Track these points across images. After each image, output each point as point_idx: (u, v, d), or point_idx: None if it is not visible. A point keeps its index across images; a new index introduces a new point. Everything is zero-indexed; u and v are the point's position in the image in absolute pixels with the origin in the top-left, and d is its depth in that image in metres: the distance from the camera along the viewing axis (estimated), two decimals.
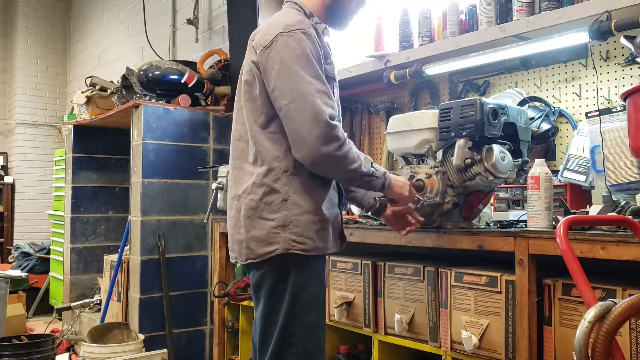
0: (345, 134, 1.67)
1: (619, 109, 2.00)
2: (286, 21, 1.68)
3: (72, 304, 3.87)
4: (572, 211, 1.94)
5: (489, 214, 2.16)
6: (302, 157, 1.63)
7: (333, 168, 1.66)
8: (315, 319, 1.73)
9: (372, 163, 1.72)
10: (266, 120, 1.70)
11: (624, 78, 2.14)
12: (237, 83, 1.87)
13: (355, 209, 2.63)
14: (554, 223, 1.72)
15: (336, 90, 1.82)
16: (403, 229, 1.89)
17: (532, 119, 2.24)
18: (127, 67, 3.87)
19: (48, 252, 5.43)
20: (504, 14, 2.35)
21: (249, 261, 1.71)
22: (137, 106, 3.36)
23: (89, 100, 4.20)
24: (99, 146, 4.33)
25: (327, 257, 1.80)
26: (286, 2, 1.84)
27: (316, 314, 1.73)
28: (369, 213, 2.10)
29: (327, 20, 1.83)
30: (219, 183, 2.96)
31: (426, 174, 1.94)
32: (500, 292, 1.80)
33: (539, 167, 1.76)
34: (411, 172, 1.98)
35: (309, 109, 1.60)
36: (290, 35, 1.65)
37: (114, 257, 3.72)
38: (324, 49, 1.74)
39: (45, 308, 5.20)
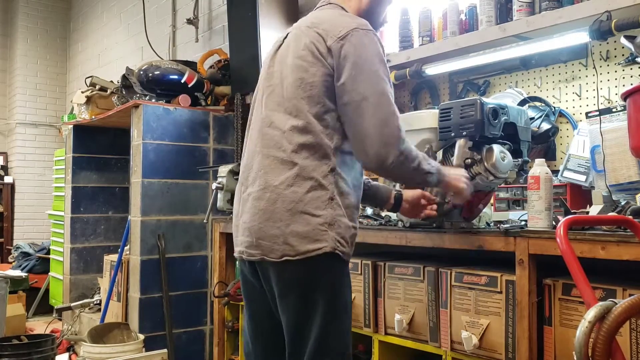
0: None
1: (619, 109, 2.00)
2: (355, 20, 1.63)
3: (72, 304, 3.87)
4: (572, 211, 1.94)
5: (489, 214, 2.16)
6: (368, 157, 1.56)
7: (398, 170, 1.58)
8: (347, 326, 1.66)
9: (427, 160, 1.67)
10: (323, 111, 1.59)
11: (624, 78, 2.14)
12: (265, 67, 1.76)
13: None
14: (554, 223, 1.72)
15: None
16: (421, 213, 1.90)
17: (532, 118, 2.24)
18: (127, 67, 3.87)
19: (48, 252, 5.43)
20: (504, 13, 2.35)
21: (284, 258, 1.56)
22: (137, 106, 3.36)
23: (89, 100, 4.20)
24: (99, 146, 4.33)
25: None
26: (328, 2, 1.75)
27: (348, 322, 1.67)
28: (385, 211, 2.06)
29: None
30: (219, 183, 2.96)
31: None
32: (501, 292, 1.80)
33: (539, 167, 1.76)
34: None
35: (384, 110, 1.55)
36: (366, 33, 1.60)
37: (114, 257, 3.72)
38: None
39: (45, 308, 5.20)
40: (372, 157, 1.55)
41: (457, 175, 1.75)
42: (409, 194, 1.90)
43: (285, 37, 1.73)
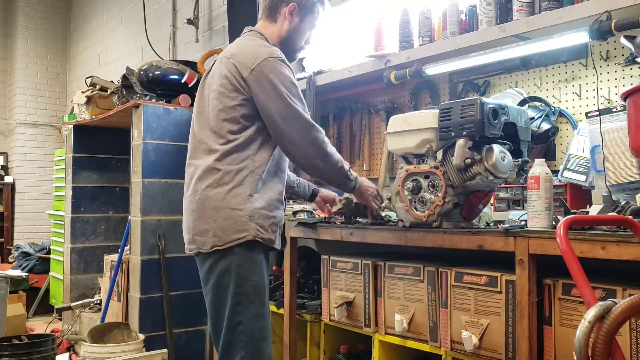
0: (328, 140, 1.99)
1: (619, 108, 2.00)
2: (267, 49, 1.96)
3: (72, 304, 3.86)
4: (572, 211, 1.94)
5: (489, 214, 2.16)
6: (296, 159, 1.98)
7: (322, 168, 1.98)
8: (259, 309, 1.92)
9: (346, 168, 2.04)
10: (239, 128, 1.94)
11: (624, 78, 2.14)
12: (199, 89, 2.09)
13: None
14: (554, 223, 1.72)
15: None
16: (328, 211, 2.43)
17: (532, 118, 2.24)
18: (127, 67, 3.86)
19: (48, 252, 5.43)
20: (504, 13, 2.35)
21: (214, 249, 1.91)
22: (137, 106, 3.36)
23: (89, 100, 4.19)
24: (99, 146, 4.32)
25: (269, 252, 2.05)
26: (250, 30, 2.10)
27: (259, 304, 1.92)
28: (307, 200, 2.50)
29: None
30: None
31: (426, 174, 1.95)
32: (501, 292, 1.80)
33: (539, 167, 1.76)
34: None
35: (302, 123, 1.92)
36: (275, 61, 1.93)
37: (114, 257, 3.72)
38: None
39: (45, 308, 5.20)
40: (298, 157, 1.97)
41: (370, 188, 2.18)
42: (324, 193, 2.44)
43: (214, 64, 2.08)
